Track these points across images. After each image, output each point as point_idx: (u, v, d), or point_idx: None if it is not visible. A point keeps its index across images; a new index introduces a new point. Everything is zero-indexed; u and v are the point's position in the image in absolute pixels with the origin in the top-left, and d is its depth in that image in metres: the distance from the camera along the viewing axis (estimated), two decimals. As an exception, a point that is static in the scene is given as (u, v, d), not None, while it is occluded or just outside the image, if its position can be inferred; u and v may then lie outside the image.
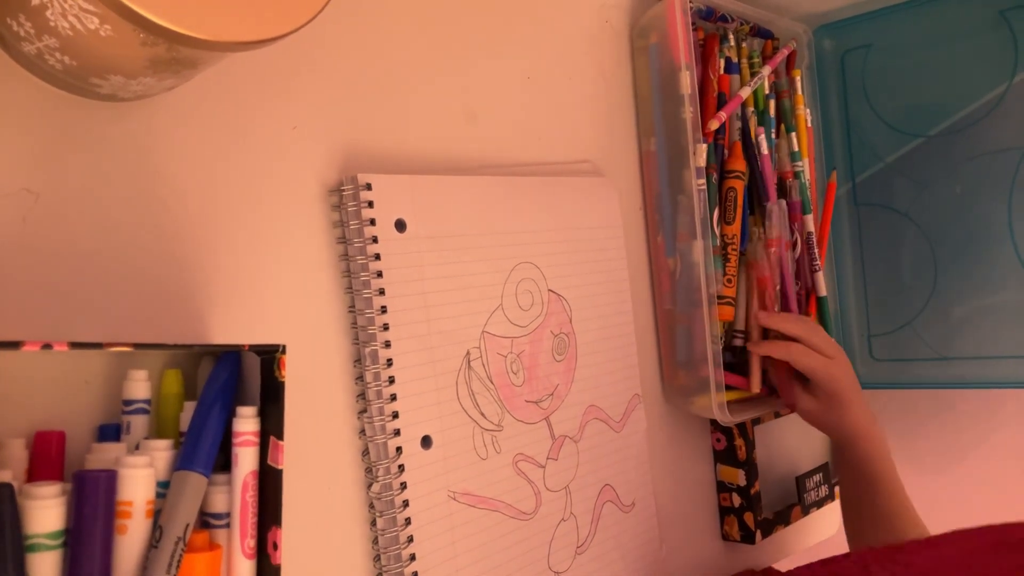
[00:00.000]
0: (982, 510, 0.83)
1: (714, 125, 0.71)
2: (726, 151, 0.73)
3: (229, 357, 0.40)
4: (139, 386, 0.39)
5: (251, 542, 0.38)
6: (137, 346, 0.35)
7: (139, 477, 0.35)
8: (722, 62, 0.74)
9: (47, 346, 0.32)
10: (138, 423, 0.39)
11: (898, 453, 0.88)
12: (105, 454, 0.37)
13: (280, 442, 0.38)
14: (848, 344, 0.85)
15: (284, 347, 0.38)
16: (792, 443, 0.84)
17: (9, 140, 0.38)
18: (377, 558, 0.49)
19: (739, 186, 0.72)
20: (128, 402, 0.39)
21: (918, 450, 0.91)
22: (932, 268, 0.80)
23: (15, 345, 0.31)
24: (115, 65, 0.36)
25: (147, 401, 0.39)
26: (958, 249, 0.79)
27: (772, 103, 0.78)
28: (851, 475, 0.73)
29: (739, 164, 0.72)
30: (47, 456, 0.36)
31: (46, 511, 0.33)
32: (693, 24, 0.70)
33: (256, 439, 0.39)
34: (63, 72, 0.38)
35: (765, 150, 0.76)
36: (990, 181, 0.76)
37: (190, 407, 0.39)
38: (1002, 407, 0.85)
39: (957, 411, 0.88)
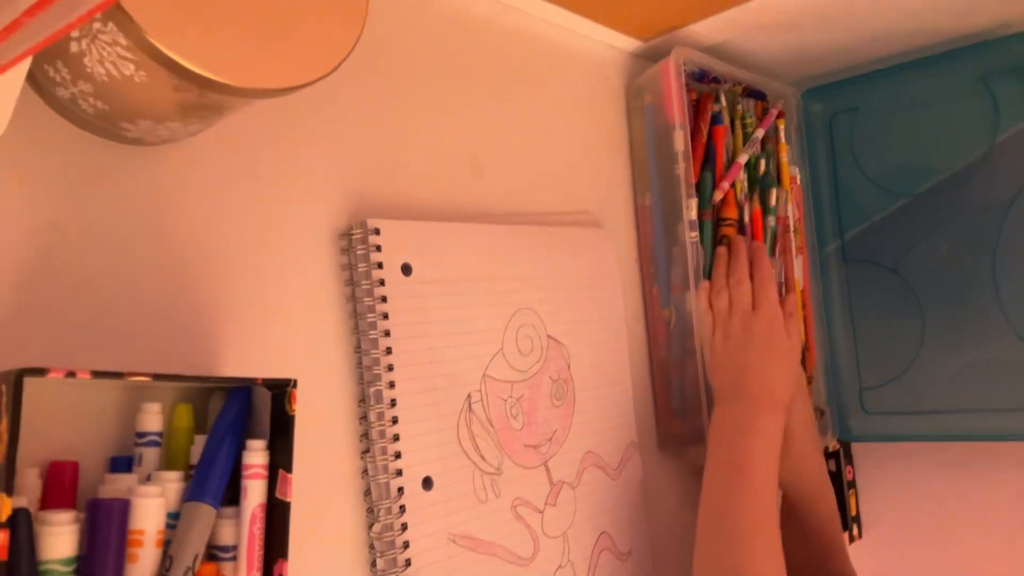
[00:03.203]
0: (974, 559, 0.83)
1: (718, 196, 0.74)
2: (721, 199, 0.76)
3: (240, 392, 0.41)
4: (152, 419, 0.40)
5: (257, 574, 0.38)
6: (156, 377, 0.36)
7: (151, 507, 0.36)
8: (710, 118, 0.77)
9: (71, 374, 0.33)
10: (150, 455, 0.39)
11: (891, 505, 0.88)
12: (118, 484, 0.37)
13: (289, 475, 0.39)
14: (841, 397, 0.86)
15: (295, 381, 0.39)
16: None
17: (39, 178, 0.40)
18: (377, 599, 0.49)
19: (732, 232, 0.74)
20: (141, 434, 0.40)
21: (910, 502, 0.91)
22: (920, 323, 0.82)
23: (41, 372, 0.32)
24: (146, 110, 0.38)
25: (159, 434, 0.40)
26: (945, 304, 0.81)
27: (762, 162, 0.81)
28: (799, 532, 0.69)
29: (732, 212, 0.75)
30: (61, 485, 0.37)
31: (60, 537, 0.34)
32: (686, 85, 0.74)
33: (265, 472, 0.39)
34: (94, 116, 0.40)
35: (758, 206, 0.78)
36: (975, 238, 0.79)
37: (200, 440, 0.40)
38: (992, 458, 0.86)
39: (947, 463, 0.89)
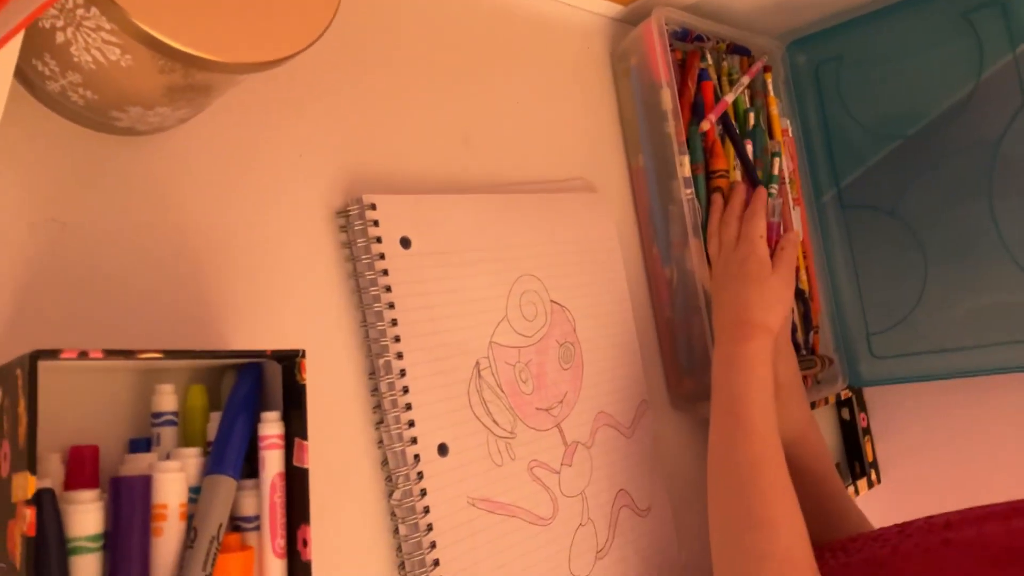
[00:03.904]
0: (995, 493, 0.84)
1: (705, 126, 0.74)
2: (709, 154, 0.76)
3: (251, 368, 0.42)
4: (167, 399, 0.40)
5: (281, 542, 0.39)
6: (167, 354, 0.36)
7: (172, 480, 0.37)
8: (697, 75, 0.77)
9: (83, 354, 0.34)
10: (167, 434, 0.40)
11: (907, 447, 0.89)
12: (138, 463, 0.38)
13: (305, 442, 0.40)
14: (849, 343, 0.86)
15: (304, 351, 0.40)
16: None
17: (36, 174, 0.41)
18: (402, 565, 0.50)
19: (725, 184, 0.75)
20: (157, 415, 0.40)
21: (926, 443, 0.92)
22: (922, 263, 0.82)
23: (54, 354, 0.33)
24: (134, 95, 0.39)
25: (175, 413, 0.41)
26: (945, 242, 0.81)
27: (751, 116, 0.81)
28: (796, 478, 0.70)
29: (722, 163, 0.75)
30: (82, 469, 0.38)
31: (86, 515, 0.35)
32: (670, 45, 0.74)
33: (281, 442, 0.40)
34: (85, 107, 0.40)
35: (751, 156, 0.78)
36: (969, 174, 0.79)
37: (216, 418, 0.41)
38: (1004, 391, 0.86)
39: (959, 400, 0.89)
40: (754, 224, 0.68)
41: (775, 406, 0.60)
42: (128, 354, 0.36)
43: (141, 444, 0.40)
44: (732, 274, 0.66)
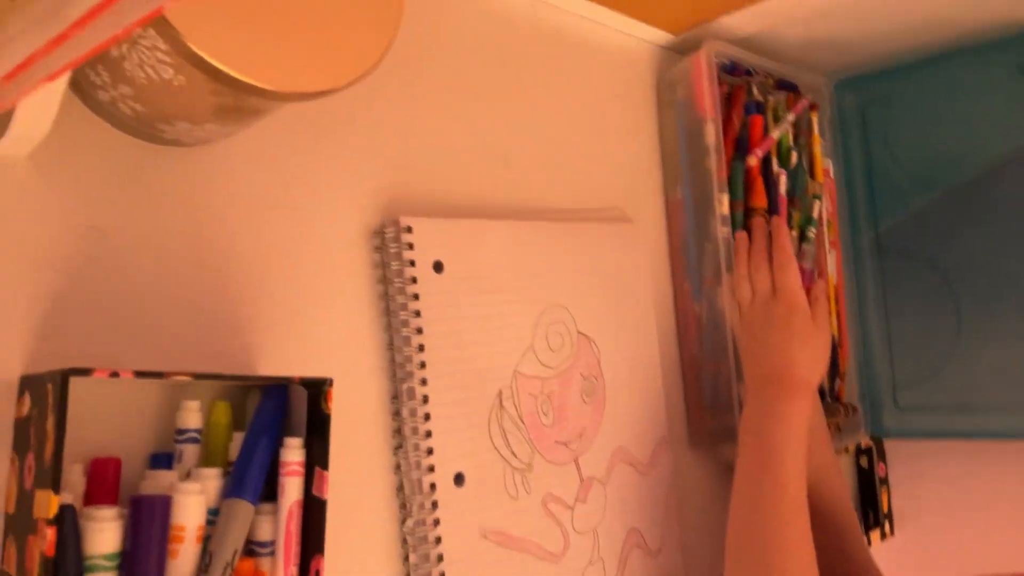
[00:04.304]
0: (1006, 562, 0.82)
1: (752, 162, 0.73)
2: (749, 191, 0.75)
3: (276, 390, 0.42)
4: (192, 416, 0.40)
5: (294, 570, 0.39)
6: (196, 376, 0.36)
7: (192, 503, 0.37)
8: (743, 108, 0.76)
9: (114, 374, 0.34)
10: (189, 452, 0.40)
11: (924, 502, 0.87)
12: (158, 480, 0.38)
13: (325, 472, 0.40)
14: (874, 392, 0.85)
15: (331, 380, 0.40)
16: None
17: (79, 180, 0.41)
18: (410, 593, 0.50)
19: (760, 223, 0.74)
20: (181, 431, 0.40)
21: (943, 500, 0.90)
22: (956, 318, 0.81)
23: (86, 372, 0.33)
24: (183, 112, 0.39)
25: (199, 431, 0.41)
26: (982, 299, 0.79)
27: (794, 155, 0.80)
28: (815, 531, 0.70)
29: (761, 200, 0.74)
30: (104, 481, 0.38)
31: (104, 533, 0.35)
32: (718, 78, 0.73)
33: (302, 469, 0.40)
34: (133, 118, 0.40)
35: (783, 190, 0.77)
36: (1013, 232, 0.77)
37: (238, 437, 0.41)
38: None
39: (981, 461, 0.87)
40: (791, 273, 0.67)
41: (805, 457, 0.60)
42: (158, 375, 0.36)
43: (163, 459, 0.40)
44: (775, 326, 0.65)
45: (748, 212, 0.74)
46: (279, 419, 0.41)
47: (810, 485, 0.68)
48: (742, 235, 0.72)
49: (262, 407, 0.41)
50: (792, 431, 0.60)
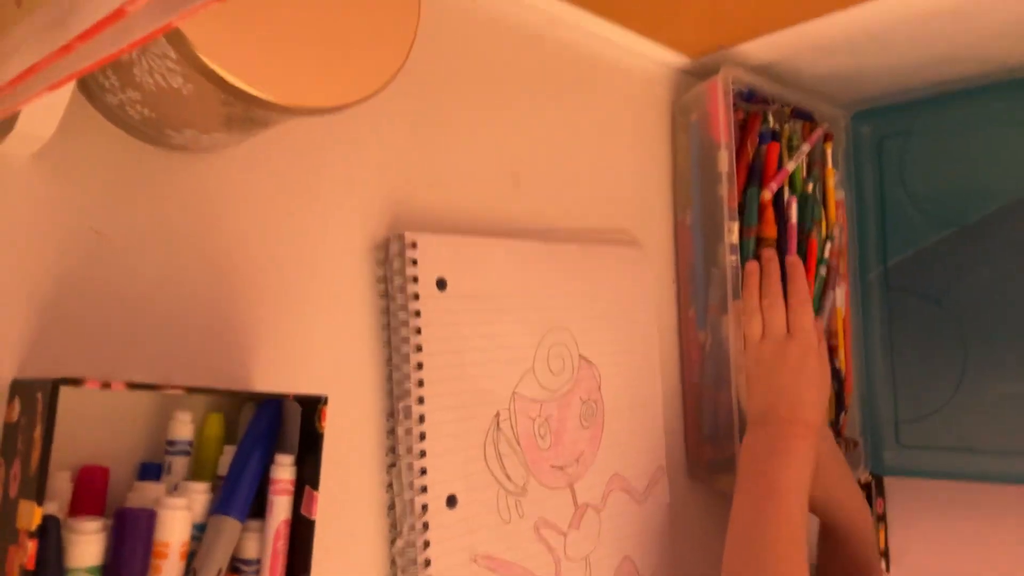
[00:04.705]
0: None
1: (766, 196, 0.72)
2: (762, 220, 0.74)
3: (270, 405, 0.41)
4: (184, 428, 0.40)
5: (279, 591, 0.38)
6: (189, 390, 0.36)
7: (177, 519, 0.36)
8: (758, 136, 0.75)
9: (106, 385, 0.33)
10: (179, 464, 0.40)
11: (921, 541, 0.86)
12: (146, 493, 0.38)
13: (315, 492, 0.39)
14: (876, 428, 0.84)
15: (326, 398, 0.39)
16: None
17: (83, 182, 0.40)
18: (395, 615, 0.49)
19: (770, 254, 0.73)
20: (172, 442, 0.40)
21: (941, 540, 0.89)
22: (962, 357, 0.80)
23: (77, 382, 0.32)
24: (192, 120, 0.38)
25: (189, 442, 0.40)
26: (989, 341, 0.78)
27: (810, 186, 0.80)
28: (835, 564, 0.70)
29: (771, 231, 0.73)
30: (90, 491, 0.37)
31: (87, 546, 0.34)
32: (734, 105, 0.72)
33: (291, 487, 0.39)
34: (140, 123, 0.40)
35: (794, 219, 0.76)
36: (1022, 271, 0.76)
37: (229, 451, 0.40)
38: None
39: (981, 503, 0.86)
40: (807, 314, 0.67)
41: (807, 499, 0.61)
42: (151, 387, 0.35)
43: (152, 470, 0.39)
44: (789, 367, 0.65)
45: (758, 242, 0.73)
46: (272, 435, 0.40)
47: (838, 522, 0.68)
48: (753, 266, 0.71)
49: (255, 422, 0.40)
50: (797, 470, 0.60)
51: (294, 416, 0.41)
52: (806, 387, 0.65)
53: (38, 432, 0.32)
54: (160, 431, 0.41)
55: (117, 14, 0.22)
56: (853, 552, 0.68)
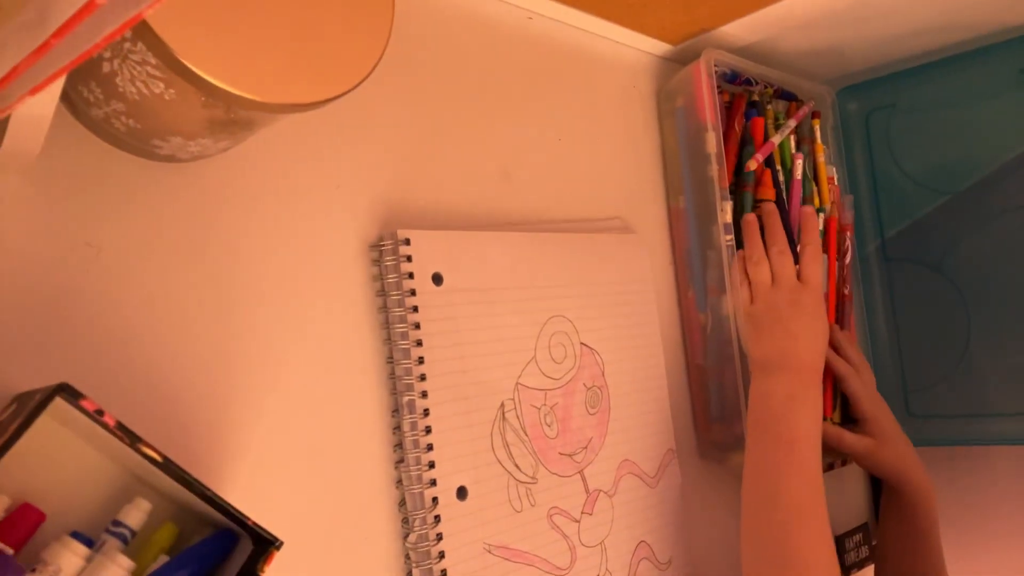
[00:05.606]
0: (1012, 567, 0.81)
1: (752, 165, 0.73)
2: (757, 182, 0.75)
3: (224, 536, 0.39)
4: (137, 516, 0.39)
5: None
6: (165, 461, 0.34)
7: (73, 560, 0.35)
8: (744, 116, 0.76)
9: (100, 412, 0.33)
10: (112, 547, 0.38)
11: (939, 510, 0.86)
12: (68, 551, 0.36)
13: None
14: (886, 400, 0.84)
15: (280, 543, 0.38)
16: (831, 501, 0.83)
17: (74, 197, 0.41)
18: (413, 610, 0.49)
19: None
20: (117, 523, 0.39)
21: (956, 504, 0.89)
22: (966, 323, 0.80)
23: (77, 395, 0.33)
24: (176, 127, 0.39)
25: (134, 533, 0.39)
26: (991, 303, 0.78)
27: (799, 163, 0.80)
28: (898, 527, 0.71)
29: (769, 193, 0.74)
30: (18, 526, 0.36)
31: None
32: (718, 87, 0.73)
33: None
34: (127, 134, 0.40)
35: (798, 175, 0.77)
36: (1020, 234, 0.76)
37: (163, 559, 0.39)
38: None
39: (995, 469, 0.86)
40: (817, 262, 0.68)
41: (821, 447, 0.61)
42: (134, 439, 0.34)
43: (84, 540, 0.37)
44: (806, 312, 0.65)
45: (756, 202, 0.74)
46: (208, 565, 0.39)
47: (905, 488, 0.71)
48: (752, 216, 0.71)
49: (200, 546, 0.39)
50: (814, 419, 0.61)
51: (241, 554, 0.39)
52: (821, 335, 0.65)
53: (16, 424, 0.32)
54: (114, 506, 0.40)
55: (88, 7, 0.22)
56: (918, 518, 0.70)
